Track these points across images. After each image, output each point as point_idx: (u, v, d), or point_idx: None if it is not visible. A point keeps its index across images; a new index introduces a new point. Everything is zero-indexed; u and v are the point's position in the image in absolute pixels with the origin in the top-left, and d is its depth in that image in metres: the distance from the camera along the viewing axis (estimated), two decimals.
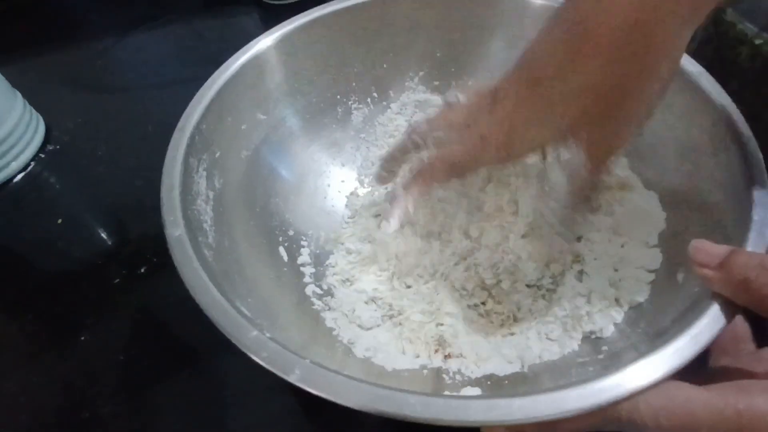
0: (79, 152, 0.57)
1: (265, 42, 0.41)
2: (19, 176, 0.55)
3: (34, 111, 0.57)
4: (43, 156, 0.57)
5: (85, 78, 0.66)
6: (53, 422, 0.39)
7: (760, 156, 0.31)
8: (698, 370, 0.27)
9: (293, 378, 0.24)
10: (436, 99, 0.49)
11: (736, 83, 0.40)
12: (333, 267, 0.41)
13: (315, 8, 0.44)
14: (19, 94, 0.56)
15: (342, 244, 0.43)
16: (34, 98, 0.58)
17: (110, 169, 0.55)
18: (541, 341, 0.34)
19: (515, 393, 0.23)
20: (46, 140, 0.58)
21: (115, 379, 0.41)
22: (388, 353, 0.36)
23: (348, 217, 0.45)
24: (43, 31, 0.73)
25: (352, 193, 0.47)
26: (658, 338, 0.27)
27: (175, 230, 0.30)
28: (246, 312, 0.30)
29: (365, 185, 0.47)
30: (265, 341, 0.25)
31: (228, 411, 0.39)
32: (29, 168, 0.56)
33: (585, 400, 0.23)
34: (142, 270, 0.47)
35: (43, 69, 0.68)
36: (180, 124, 0.36)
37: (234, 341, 0.25)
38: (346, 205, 0.46)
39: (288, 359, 0.25)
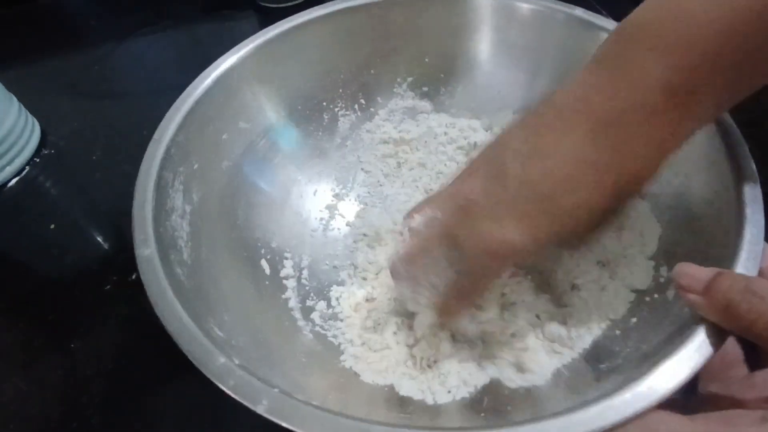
0: (75, 157, 0.57)
1: (247, 49, 0.40)
2: (14, 181, 0.54)
3: (29, 115, 0.57)
4: (38, 161, 0.56)
5: (81, 83, 0.65)
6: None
7: (755, 171, 0.30)
8: (687, 396, 0.26)
9: (261, 409, 0.23)
10: (425, 105, 0.48)
11: None
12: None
13: (299, 14, 0.43)
14: (14, 99, 0.55)
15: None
16: (30, 103, 0.58)
17: (105, 175, 0.55)
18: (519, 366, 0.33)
19: (491, 425, 0.22)
20: (42, 145, 0.57)
21: (106, 387, 0.40)
22: (370, 367, 0.35)
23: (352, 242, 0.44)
24: (40, 36, 0.72)
25: (329, 206, 0.46)
26: (644, 362, 0.26)
27: (144, 249, 0.29)
28: (218, 333, 0.29)
29: (350, 197, 0.46)
30: (232, 369, 0.24)
31: (222, 421, 0.38)
32: (24, 172, 0.55)
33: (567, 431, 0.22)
34: (134, 277, 0.46)
35: (40, 74, 0.67)
36: (155, 136, 0.35)
37: (201, 368, 0.25)
38: (347, 224, 0.46)
39: (256, 388, 0.24)
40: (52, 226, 0.51)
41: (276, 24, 0.42)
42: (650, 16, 0.26)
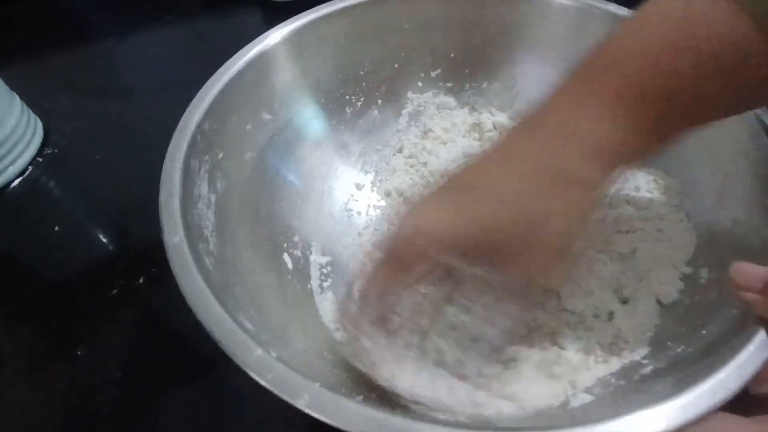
0: (78, 156, 0.55)
1: (272, 39, 0.39)
2: (17, 181, 0.52)
3: (32, 114, 0.55)
4: (41, 160, 0.54)
5: (84, 81, 0.64)
6: None
7: None
8: (739, 398, 0.25)
9: (301, 404, 0.22)
10: (449, 100, 0.48)
11: None
12: None
13: (324, 4, 0.42)
14: (17, 97, 0.54)
15: None
16: (32, 101, 0.56)
17: (109, 174, 0.53)
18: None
19: (544, 426, 0.21)
20: (44, 144, 0.56)
21: (113, 396, 0.38)
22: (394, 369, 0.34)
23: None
24: (42, 33, 0.71)
25: (351, 199, 0.45)
26: (695, 364, 0.25)
27: (173, 236, 0.28)
28: (249, 326, 0.28)
29: (374, 191, 0.45)
30: (271, 362, 0.23)
31: (232, 427, 0.36)
32: (27, 172, 0.53)
33: None
34: (141, 281, 0.44)
35: (43, 72, 0.66)
36: (181, 124, 0.34)
37: (237, 362, 0.23)
38: (369, 218, 0.44)
39: (296, 383, 0.23)
40: (56, 228, 0.49)
41: (300, 14, 0.41)
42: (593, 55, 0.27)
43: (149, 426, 0.37)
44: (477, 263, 0.28)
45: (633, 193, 0.39)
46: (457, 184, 0.29)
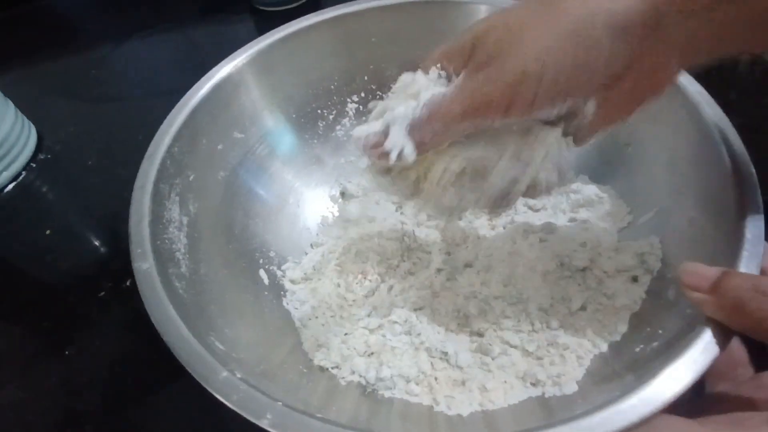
0: (71, 162, 0.57)
1: (240, 60, 0.40)
2: (10, 186, 0.54)
3: (26, 120, 0.57)
4: (34, 165, 0.56)
5: (78, 87, 0.65)
6: None
7: (753, 170, 0.30)
8: (694, 397, 0.26)
9: (265, 423, 0.23)
10: None
11: (735, 93, 0.39)
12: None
13: (290, 22, 0.43)
14: (11, 103, 0.55)
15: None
16: (26, 107, 0.58)
17: (101, 180, 0.55)
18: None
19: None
20: (38, 149, 0.57)
21: (100, 394, 0.40)
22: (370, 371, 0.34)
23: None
24: (36, 39, 0.72)
25: (327, 213, 0.46)
26: (647, 365, 0.26)
27: (143, 263, 0.29)
28: (220, 346, 0.29)
29: (347, 204, 0.46)
30: (236, 383, 0.24)
31: (218, 427, 0.37)
32: (20, 177, 0.55)
33: None
34: (128, 283, 0.46)
35: (37, 78, 0.67)
36: (149, 151, 0.35)
37: (203, 383, 0.24)
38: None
39: (260, 402, 0.23)
40: (48, 232, 0.51)
41: (269, 33, 0.42)
42: None
43: (136, 424, 0.38)
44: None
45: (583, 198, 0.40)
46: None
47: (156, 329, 0.41)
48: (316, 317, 0.37)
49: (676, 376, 0.23)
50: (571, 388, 0.31)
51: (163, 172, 0.34)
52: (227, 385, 0.24)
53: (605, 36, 0.24)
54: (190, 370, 0.25)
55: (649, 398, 0.22)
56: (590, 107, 0.26)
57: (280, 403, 0.23)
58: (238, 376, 0.24)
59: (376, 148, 0.27)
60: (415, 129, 0.26)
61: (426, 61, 0.29)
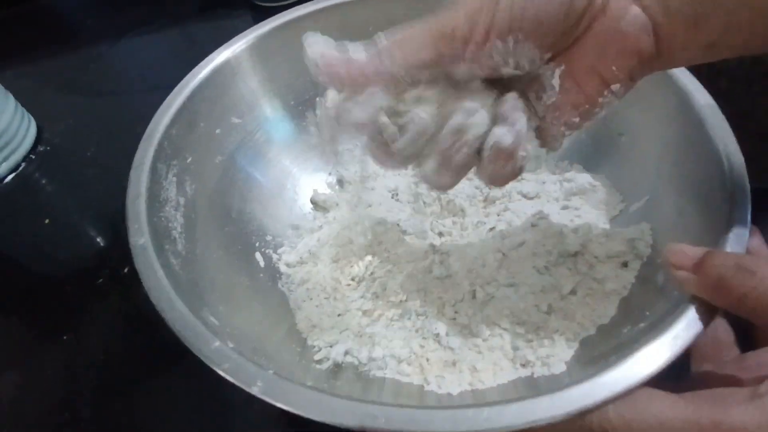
0: (70, 154, 0.58)
1: (238, 45, 0.41)
2: (9, 177, 0.55)
3: (25, 112, 0.58)
4: (33, 157, 0.57)
5: (78, 81, 0.66)
6: (33, 423, 0.39)
7: (741, 158, 0.31)
8: (680, 377, 0.27)
9: (255, 390, 0.23)
10: None
11: (725, 81, 0.39)
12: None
13: (288, 10, 0.43)
14: (11, 96, 0.56)
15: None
16: (26, 100, 0.58)
17: (99, 172, 0.56)
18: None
19: (482, 403, 0.22)
20: (38, 141, 0.58)
21: (97, 380, 0.40)
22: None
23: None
24: (37, 34, 0.73)
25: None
26: (632, 345, 0.27)
27: (139, 238, 0.30)
28: (214, 321, 0.29)
29: (344, 190, 0.47)
30: (227, 352, 0.25)
31: (214, 414, 0.38)
32: (20, 169, 0.56)
33: (554, 409, 0.22)
34: (126, 270, 0.46)
35: (37, 72, 0.68)
36: (148, 132, 0.35)
37: (195, 351, 0.25)
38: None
39: (250, 371, 0.24)
40: (47, 221, 0.51)
41: (268, 19, 0.43)
42: None
43: (131, 408, 0.39)
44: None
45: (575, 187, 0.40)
46: None
47: (155, 314, 0.42)
48: (311, 299, 0.37)
49: (659, 351, 0.24)
50: (560, 368, 0.31)
51: (160, 153, 0.35)
52: (218, 354, 0.25)
53: None
54: (182, 339, 0.25)
55: (632, 371, 0.23)
56: (555, 77, 0.26)
57: (271, 371, 0.24)
58: (230, 345, 0.25)
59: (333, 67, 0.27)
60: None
61: None
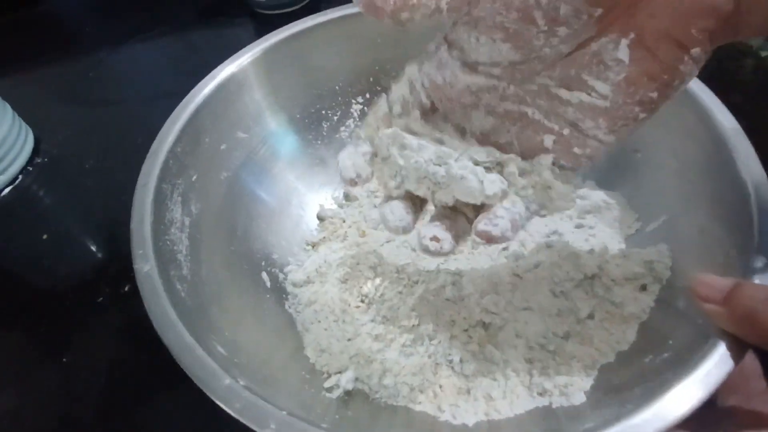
0: (68, 165, 0.56)
1: (243, 59, 0.40)
2: (7, 189, 0.54)
3: (23, 123, 0.56)
4: (31, 169, 0.55)
5: (76, 90, 0.65)
6: None
7: (765, 176, 0.30)
8: (704, 410, 0.26)
9: None
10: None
11: (739, 96, 0.38)
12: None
13: (296, 22, 0.42)
14: (8, 106, 0.55)
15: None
16: (24, 111, 0.57)
17: (98, 183, 0.54)
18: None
19: None
20: (35, 153, 0.57)
21: (100, 401, 0.39)
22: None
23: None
24: (34, 43, 0.72)
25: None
26: (657, 377, 0.26)
27: (144, 265, 0.28)
28: (221, 350, 0.28)
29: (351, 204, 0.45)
30: (239, 391, 0.24)
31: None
32: (17, 181, 0.54)
33: None
34: (127, 288, 0.45)
35: (35, 82, 0.66)
36: (152, 149, 0.34)
37: (206, 390, 0.24)
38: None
39: (263, 411, 0.23)
40: (45, 236, 0.50)
41: (273, 32, 0.42)
42: None
43: (137, 430, 0.38)
44: None
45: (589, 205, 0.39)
46: None
47: (156, 333, 0.41)
48: (319, 321, 0.36)
49: (690, 391, 0.23)
50: (579, 398, 0.30)
51: (165, 172, 0.33)
52: (230, 393, 0.23)
53: None
54: (192, 377, 0.24)
55: (663, 413, 0.22)
56: (622, 47, 0.22)
57: (285, 412, 0.23)
58: (241, 383, 0.24)
59: None
60: None
61: None
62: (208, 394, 0.24)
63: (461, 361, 0.33)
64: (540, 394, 0.31)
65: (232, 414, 0.23)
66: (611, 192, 0.40)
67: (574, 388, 0.30)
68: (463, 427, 0.30)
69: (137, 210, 0.31)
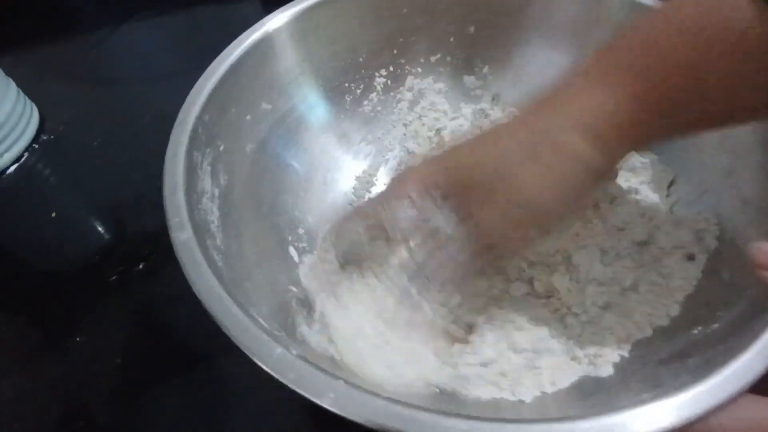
0: (74, 143, 0.55)
1: (272, 24, 0.38)
2: (12, 168, 0.52)
3: (28, 100, 0.55)
4: (36, 147, 0.54)
5: (81, 68, 0.63)
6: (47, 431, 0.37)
7: None
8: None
9: (326, 402, 0.21)
10: (450, 86, 0.47)
11: None
12: None
13: None
14: (12, 83, 0.53)
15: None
16: (28, 88, 0.56)
17: (106, 162, 0.53)
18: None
19: (592, 414, 0.21)
20: (40, 130, 0.55)
21: (112, 384, 0.38)
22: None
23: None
24: (39, 21, 0.70)
25: (355, 189, 0.44)
26: (711, 348, 0.25)
27: (181, 233, 0.27)
28: (262, 322, 0.27)
29: (375, 179, 0.45)
30: (292, 360, 0.23)
31: (231, 416, 0.36)
32: (23, 159, 0.53)
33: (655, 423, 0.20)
34: (140, 267, 0.44)
35: (39, 60, 0.65)
36: (180, 118, 0.33)
37: (257, 361, 0.23)
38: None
39: (319, 381, 0.22)
40: (53, 215, 0.49)
41: (296, 1, 0.40)
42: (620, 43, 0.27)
43: (146, 413, 0.37)
44: (451, 207, 0.29)
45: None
46: (450, 148, 0.31)
47: (166, 315, 0.40)
48: None
49: (755, 358, 0.22)
50: (606, 371, 0.30)
51: (194, 140, 0.32)
52: (283, 363, 0.22)
53: None
54: (240, 346, 0.23)
55: (736, 378, 0.21)
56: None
57: (342, 381, 0.22)
58: (294, 353, 0.23)
59: None
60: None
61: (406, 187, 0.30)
62: (260, 364, 0.22)
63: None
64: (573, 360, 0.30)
65: (288, 384, 0.22)
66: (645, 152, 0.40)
67: (603, 359, 0.30)
68: (520, 403, 0.29)
69: (169, 179, 0.30)
